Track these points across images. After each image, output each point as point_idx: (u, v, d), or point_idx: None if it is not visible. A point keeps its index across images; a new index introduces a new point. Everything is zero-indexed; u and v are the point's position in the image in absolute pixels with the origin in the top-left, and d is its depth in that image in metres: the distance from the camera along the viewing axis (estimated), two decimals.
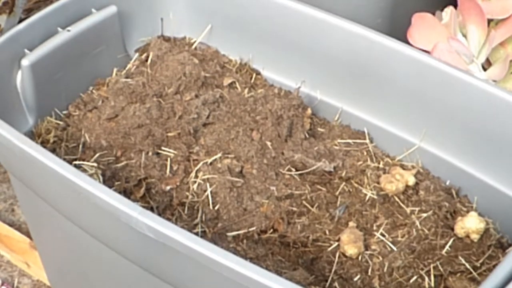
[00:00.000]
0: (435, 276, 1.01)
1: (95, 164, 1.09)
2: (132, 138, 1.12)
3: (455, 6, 1.31)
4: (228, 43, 1.26)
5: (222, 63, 1.24)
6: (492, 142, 1.07)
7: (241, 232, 1.06)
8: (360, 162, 1.13)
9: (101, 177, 1.07)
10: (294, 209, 1.08)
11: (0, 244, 1.42)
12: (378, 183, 1.10)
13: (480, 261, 1.03)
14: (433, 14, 1.34)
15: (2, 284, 1.38)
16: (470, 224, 1.04)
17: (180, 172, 1.10)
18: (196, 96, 1.17)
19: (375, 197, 1.09)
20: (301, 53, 1.19)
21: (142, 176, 1.09)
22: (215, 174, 1.08)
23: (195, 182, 1.08)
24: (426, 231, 1.05)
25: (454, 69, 1.08)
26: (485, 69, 1.30)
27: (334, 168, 1.12)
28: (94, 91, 1.20)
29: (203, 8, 1.26)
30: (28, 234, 1.39)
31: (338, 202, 1.10)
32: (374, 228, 1.07)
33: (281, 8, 1.18)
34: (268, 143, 1.13)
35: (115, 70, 1.22)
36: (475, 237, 1.05)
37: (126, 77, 1.19)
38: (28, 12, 1.75)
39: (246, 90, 1.20)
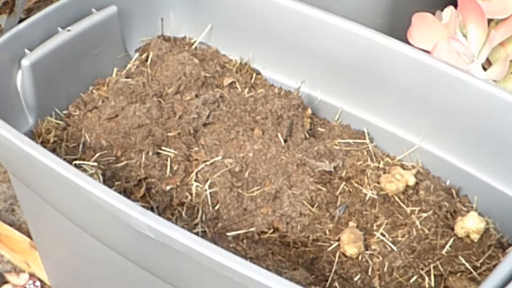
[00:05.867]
0: (435, 276, 1.01)
1: (95, 164, 1.09)
2: (132, 138, 1.12)
3: (455, 6, 1.31)
4: (228, 43, 1.26)
5: (222, 63, 1.24)
6: (492, 142, 1.07)
7: (241, 232, 1.05)
8: (360, 162, 1.13)
9: (101, 177, 1.07)
10: (294, 208, 1.08)
11: (0, 244, 1.42)
12: (378, 183, 1.10)
13: (480, 261, 1.03)
14: (433, 14, 1.34)
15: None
16: (470, 224, 1.04)
17: (180, 172, 1.10)
18: (196, 96, 1.17)
19: (375, 197, 1.09)
20: (301, 53, 1.19)
21: (142, 176, 1.09)
22: (215, 174, 1.08)
23: (195, 182, 1.08)
24: (426, 231, 1.05)
25: (454, 69, 1.08)
26: (485, 69, 1.30)
27: (334, 168, 1.12)
28: (94, 91, 1.20)
29: (203, 8, 1.26)
30: (28, 234, 1.39)
31: (338, 202, 1.10)
32: (374, 228, 1.07)
33: (281, 8, 1.18)
34: (268, 143, 1.13)
35: (115, 70, 1.22)
36: (475, 237, 1.05)
37: (126, 77, 1.19)
38: (28, 12, 1.75)
39: (246, 90, 1.20)
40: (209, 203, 1.07)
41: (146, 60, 1.23)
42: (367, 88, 1.16)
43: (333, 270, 1.03)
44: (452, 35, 1.29)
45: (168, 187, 1.08)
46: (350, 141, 1.17)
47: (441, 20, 1.33)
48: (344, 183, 1.11)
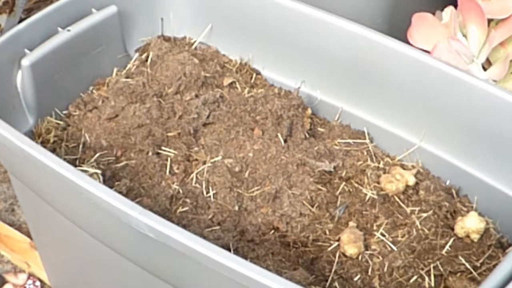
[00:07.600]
0: (435, 276, 1.01)
1: (95, 164, 1.09)
2: (132, 138, 1.12)
3: (455, 6, 1.31)
4: (228, 43, 1.26)
5: (222, 63, 1.24)
6: (492, 142, 1.07)
7: (241, 232, 1.06)
8: (360, 162, 1.13)
9: (101, 177, 1.07)
10: (294, 208, 1.08)
11: (1, 244, 1.42)
12: (378, 183, 1.10)
13: (480, 261, 1.03)
14: (433, 14, 1.34)
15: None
16: (470, 224, 1.04)
17: (180, 172, 1.10)
18: (196, 96, 1.17)
19: (375, 197, 1.09)
20: (301, 53, 1.19)
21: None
22: (215, 174, 1.08)
23: (195, 182, 1.08)
24: (426, 231, 1.05)
25: (454, 69, 1.09)
26: (485, 69, 1.30)
27: (334, 168, 1.12)
28: (94, 91, 1.20)
29: (203, 8, 1.26)
30: (28, 234, 1.39)
31: (338, 202, 1.10)
32: (374, 228, 1.07)
33: (281, 8, 1.18)
34: (268, 143, 1.13)
35: (115, 70, 1.22)
36: (475, 237, 1.05)
37: (126, 77, 1.19)
38: (28, 12, 1.75)
39: (246, 90, 1.20)
40: (209, 203, 1.07)
41: (146, 60, 1.23)
42: (367, 88, 1.16)
43: (333, 270, 1.03)
44: (452, 35, 1.29)
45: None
46: (350, 141, 1.17)
47: (441, 20, 1.33)
48: (344, 183, 1.11)
